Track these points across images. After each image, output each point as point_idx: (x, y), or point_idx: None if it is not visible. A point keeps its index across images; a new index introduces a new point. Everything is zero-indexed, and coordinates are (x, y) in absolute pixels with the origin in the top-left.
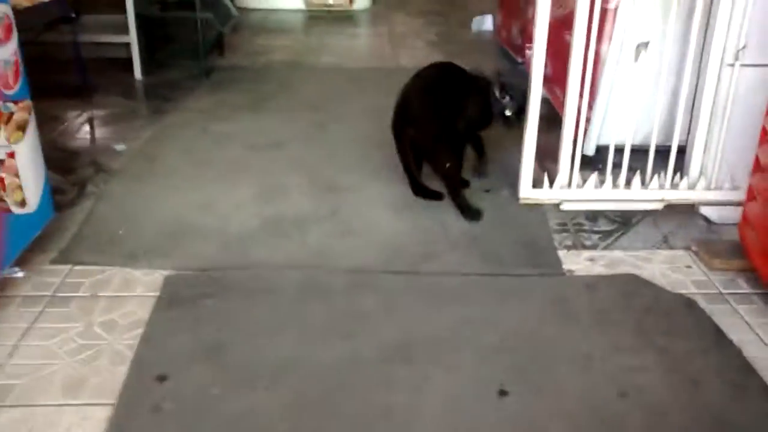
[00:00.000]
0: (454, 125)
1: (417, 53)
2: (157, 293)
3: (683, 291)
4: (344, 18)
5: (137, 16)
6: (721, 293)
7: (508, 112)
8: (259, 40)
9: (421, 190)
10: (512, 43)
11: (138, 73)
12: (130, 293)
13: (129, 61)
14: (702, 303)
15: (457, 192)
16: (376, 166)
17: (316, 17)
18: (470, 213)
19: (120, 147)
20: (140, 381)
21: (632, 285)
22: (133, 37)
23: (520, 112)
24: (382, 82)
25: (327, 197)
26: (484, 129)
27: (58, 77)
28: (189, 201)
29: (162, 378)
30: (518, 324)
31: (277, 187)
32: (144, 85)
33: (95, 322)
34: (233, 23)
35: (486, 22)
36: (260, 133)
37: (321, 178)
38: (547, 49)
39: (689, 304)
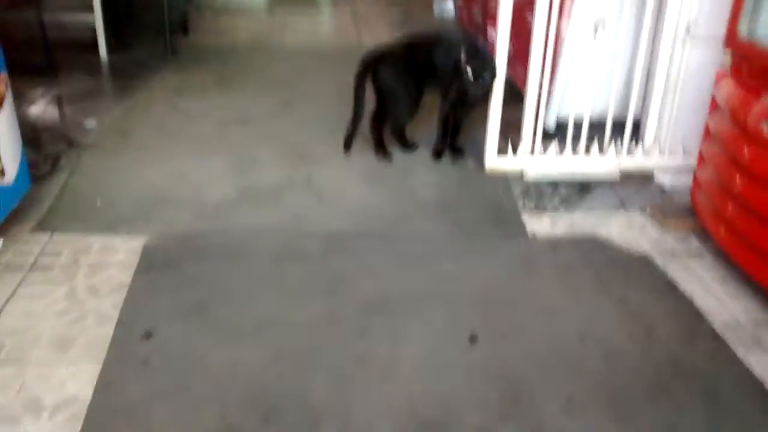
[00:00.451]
0: (419, 80)
1: (380, 33)
2: (138, 258)
3: (639, 249)
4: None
5: None
6: (674, 250)
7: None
8: (222, 21)
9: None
10: (474, 23)
11: (103, 52)
12: (111, 259)
13: (94, 41)
14: (657, 259)
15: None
16: (340, 138)
17: None
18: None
19: (90, 123)
20: (127, 338)
21: (592, 244)
22: (98, 17)
23: (487, 93)
24: (345, 61)
25: (299, 167)
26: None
27: (23, 56)
28: (163, 173)
29: (148, 335)
30: (487, 280)
31: (250, 159)
32: (110, 64)
33: (78, 286)
34: (198, 3)
35: (447, 5)
36: (229, 110)
37: (292, 150)
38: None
39: (645, 260)
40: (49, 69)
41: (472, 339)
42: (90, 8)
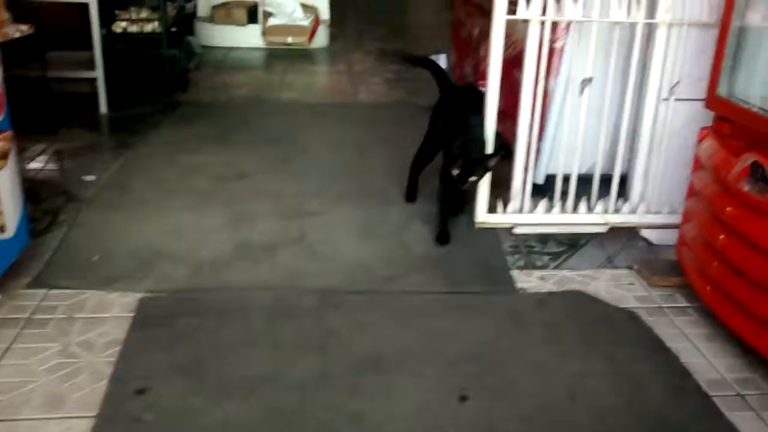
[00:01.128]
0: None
1: (375, 89)
2: (133, 314)
3: (626, 305)
4: (303, 56)
5: (104, 52)
6: (660, 307)
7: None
8: (221, 77)
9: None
10: (465, 80)
11: (103, 107)
12: (106, 314)
13: (95, 96)
14: (643, 316)
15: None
16: (339, 194)
17: (275, 55)
18: (443, 235)
19: (89, 177)
20: (120, 394)
21: (580, 300)
22: (99, 73)
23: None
24: (342, 117)
25: (294, 223)
26: None
27: (25, 113)
28: (160, 228)
29: (141, 391)
30: (477, 336)
31: (245, 214)
32: (109, 120)
33: (73, 341)
34: (197, 60)
35: (440, 61)
36: (226, 165)
37: (287, 206)
38: (500, 87)
39: (632, 316)
40: (50, 125)
41: (462, 398)
42: (92, 65)
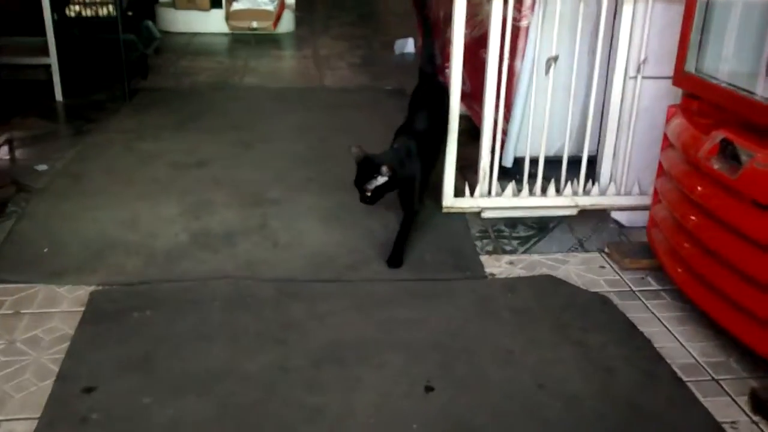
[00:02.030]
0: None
1: (341, 74)
2: (83, 308)
3: (597, 289)
4: (268, 41)
5: (58, 37)
6: (632, 290)
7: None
8: (183, 63)
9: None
10: None
11: (59, 95)
12: (55, 309)
13: (50, 84)
14: (615, 300)
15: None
16: (302, 180)
17: (240, 40)
18: (397, 259)
19: (41, 167)
20: (66, 393)
21: (549, 285)
22: (53, 59)
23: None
24: (305, 101)
25: (254, 211)
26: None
27: None
28: (114, 218)
29: (89, 390)
30: (444, 324)
31: (204, 203)
32: (65, 107)
33: (18, 338)
34: (156, 45)
35: (408, 45)
36: (185, 153)
37: (247, 194)
38: (465, 68)
39: (603, 300)
40: (1, 114)
41: (428, 388)
42: (46, 51)
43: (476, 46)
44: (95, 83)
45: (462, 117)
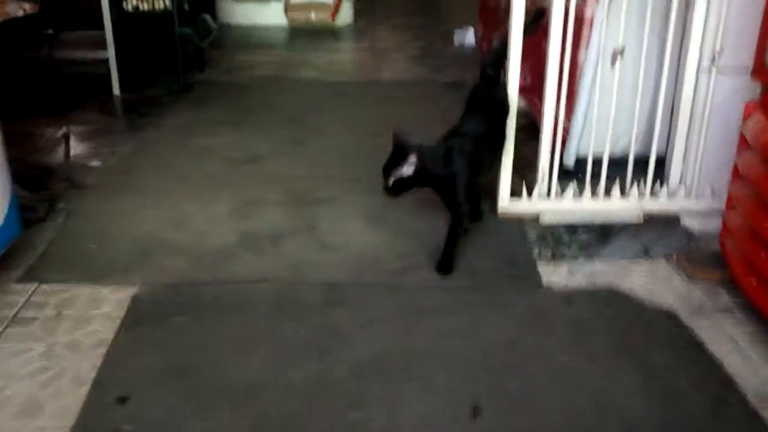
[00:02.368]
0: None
1: (399, 67)
2: (124, 311)
3: (663, 303)
4: (327, 33)
5: (115, 31)
6: (701, 305)
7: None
8: (240, 56)
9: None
10: None
11: (116, 89)
12: (97, 311)
13: (108, 78)
14: (682, 315)
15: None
16: (353, 178)
17: (298, 33)
18: (446, 265)
19: (95, 163)
20: (100, 402)
21: (612, 297)
22: (111, 53)
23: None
24: (361, 94)
25: (303, 211)
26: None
27: (35, 94)
28: (163, 217)
29: (123, 399)
30: (496, 338)
31: (254, 201)
32: (122, 101)
33: (59, 342)
34: (212, 38)
35: (468, 35)
36: (238, 148)
37: (298, 192)
38: (526, 60)
39: (669, 316)
40: (60, 108)
41: (475, 410)
42: (103, 45)
43: (537, 36)
44: (152, 77)
45: (521, 112)
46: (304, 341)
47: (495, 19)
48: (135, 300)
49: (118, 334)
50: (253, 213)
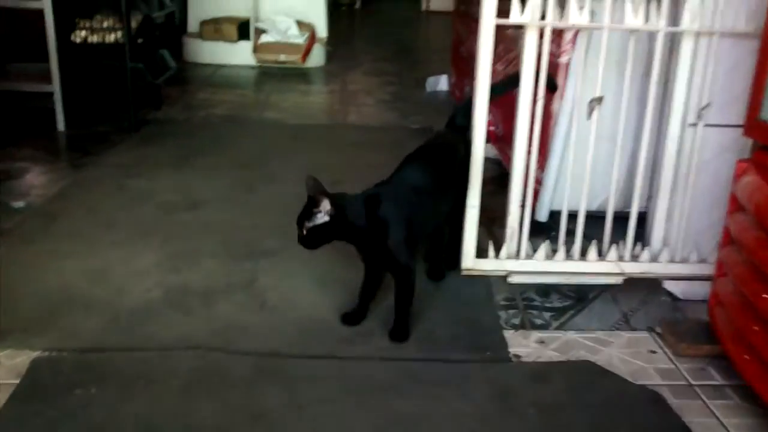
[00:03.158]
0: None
1: (367, 111)
2: (18, 381)
3: (647, 382)
4: (296, 75)
5: (62, 64)
6: (690, 384)
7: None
8: (202, 95)
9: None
10: (466, 100)
11: (61, 124)
12: None
13: (53, 112)
14: (668, 396)
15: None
16: None
17: (266, 74)
18: (401, 332)
19: (18, 204)
20: None
21: (588, 374)
22: (56, 87)
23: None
24: (324, 139)
25: (243, 265)
26: None
27: None
28: (82, 268)
29: None
30: (453, 426)
31: (187, 252)
32: (67, 138)
33: None
34: (168, 75)
35: (440, 82)
36: (179, 192)
37: (239, 244)
38: (499, 109)
39: (654, 398)
40: None
41: None
42: (49, 79)
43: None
44: (102, 113)
45: (491, 161)
46: (222, 427)
47: (468, 67)
48: (33, 367)
49: (5, 407)
50: (185, 265)
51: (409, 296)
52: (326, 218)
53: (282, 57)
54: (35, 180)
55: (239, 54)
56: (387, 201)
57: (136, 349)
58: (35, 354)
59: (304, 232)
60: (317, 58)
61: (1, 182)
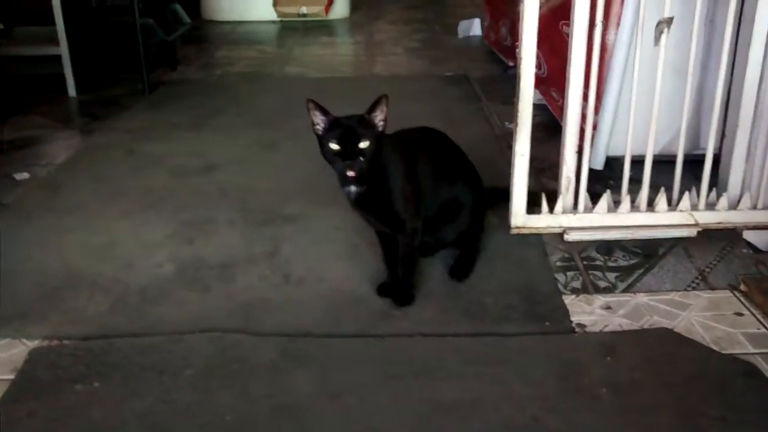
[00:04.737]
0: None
1: (394, 60)
2: (14, 375)
3: (737, 351)
4: (319, 28)
5: (69, 25)
6: None
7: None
8: (221, 53)
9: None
10: (501, 45)
11: (72, 89)
12: None
13: (62, 77)
14: (765, 368)
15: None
16: (328, 190)
17: (288, 28)
18: (405, 295)
19: (22, 175)
20: None
21: (666, 344)
22: (64, 50)
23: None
24: (350, 92)
25: (263, 233)
26: None
27: None
28: (86, 243)
29: None
30: (510, 410)
31: (202, 221)
32: (78, 103)
33: None
34: (181, 32)
35: (473, 26)
36: (194, 155)
37: (259, 208)
38: (542, 47)
39: (748, 371)
40: (1, 112)
41: None
42: (56, 41)
43: (554, 19)
44: (114, 75)
45: (535, 107)
46: (242, 423)
47: (504, 6)
48: (29, 359)
49: None
50: (199, 236)
51: (413, 257)
52: (382, 124)
53: (303, 9)
54: (42, 149)
55: (259, 8)
56: (395, 147)
57: (145, 334)
58: (33, 344)
59: (363, 144)
60: (341, 8)
61: (7, 152)
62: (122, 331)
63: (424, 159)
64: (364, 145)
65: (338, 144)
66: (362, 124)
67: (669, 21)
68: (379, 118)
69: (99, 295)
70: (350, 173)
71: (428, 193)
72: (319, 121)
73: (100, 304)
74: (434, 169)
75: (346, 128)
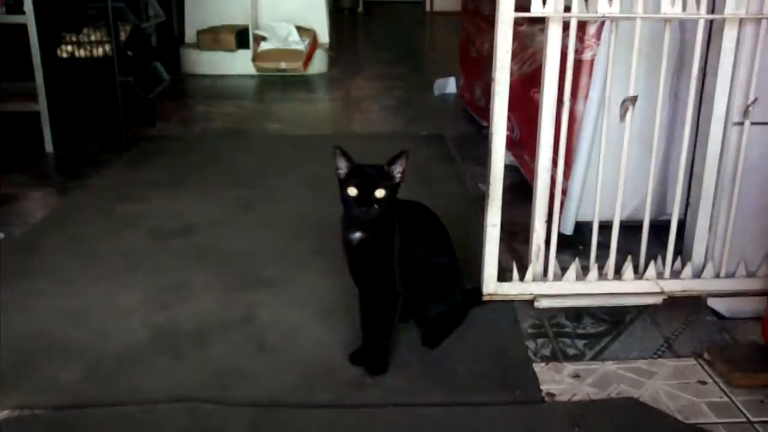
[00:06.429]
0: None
1: (371, 118)
2: None
3: (700, 420)
4: (298, 83)
5: (48, 81)
6: (750, 422)
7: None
8: (200, 108)
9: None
10: (476, 105)
11: (49, 145)
12: None
13: (41, 132)
14: None
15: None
16: (306, 254)
17: (267, 83)
18: (379, 363)
19: None
20: None
21: (632, 414)
22: (42, 105)
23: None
24: (326, 150)
25: (239, 298)
26: None
27: None
28: (60, 309)
29: None
30: None
31: (178, 285)
32: (56, 160)
33: None
34: (160, 89)
35: (448, 84)
36: (172, 216)
37: (235, 273)
38: (515, 112)
39: None
40: None
41: None
42: (35, 97)
43: (526, 85)
44: (92, 132)
45: (507, 168)
46: None
47: (478, 67)
48: (1, 430)
49: None
50: (175, 301)
51: (393, 321)
52: (400, 176)
53: (283, 64)
54: (17, 207)
55: (239, 63)
56: (398, 211)
57: (119, 404)
58: (4, 414)
59: (380, 194)
60: (319, 64)
61: None
62: (96, 400)
63: (419, 231)
64: (380, 194)
65: (357, 189)
66: (381, 174)
67: (633, 99)
68: (397, 170)
69: (73, 363)
70: (363, 217)
71: (416, 260)
72: (342, 166)
73: (74, 371)
74: (425, 242)
75: (365, 176)
